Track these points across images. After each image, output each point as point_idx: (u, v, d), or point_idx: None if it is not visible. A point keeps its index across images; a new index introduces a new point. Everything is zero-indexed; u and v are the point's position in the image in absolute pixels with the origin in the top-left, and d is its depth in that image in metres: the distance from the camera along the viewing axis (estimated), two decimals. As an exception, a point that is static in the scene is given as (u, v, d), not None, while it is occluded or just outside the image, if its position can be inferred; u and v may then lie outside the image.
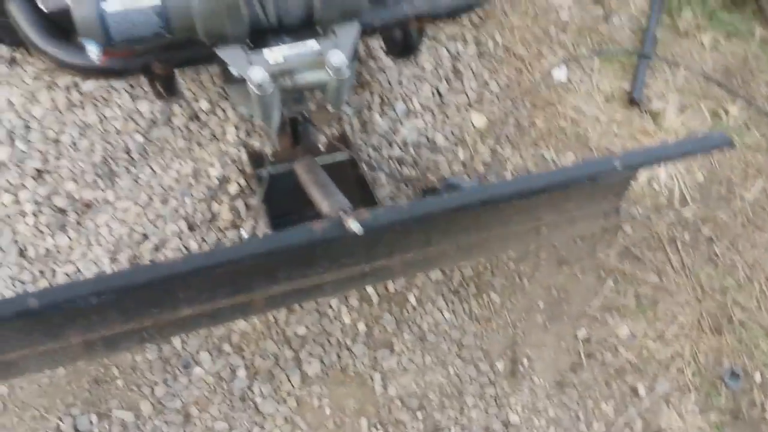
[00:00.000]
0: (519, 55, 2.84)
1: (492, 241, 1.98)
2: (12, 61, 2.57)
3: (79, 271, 2.29)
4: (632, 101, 2.76)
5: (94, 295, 1.47)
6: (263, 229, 2.33)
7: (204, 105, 2.55)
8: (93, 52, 1.46)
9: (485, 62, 2.80)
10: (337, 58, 1.44)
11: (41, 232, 2.32)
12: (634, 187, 2.56)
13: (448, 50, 2.79)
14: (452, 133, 2.65)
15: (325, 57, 1.47)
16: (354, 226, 1.51)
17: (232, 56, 1.46)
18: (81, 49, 1.64)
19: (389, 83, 2.69)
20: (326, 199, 1.77)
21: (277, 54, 1.48)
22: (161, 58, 1.64)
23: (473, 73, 2.76)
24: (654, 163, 1.74)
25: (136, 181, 2.42)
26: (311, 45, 1.50)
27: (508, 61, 2.83)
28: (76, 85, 2.53)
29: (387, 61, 2.69)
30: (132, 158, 2.46)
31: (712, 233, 2.57)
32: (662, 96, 2.81)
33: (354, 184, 2.25)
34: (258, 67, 1.41)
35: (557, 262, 2.46)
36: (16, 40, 2.32)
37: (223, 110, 2.55)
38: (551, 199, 1.86)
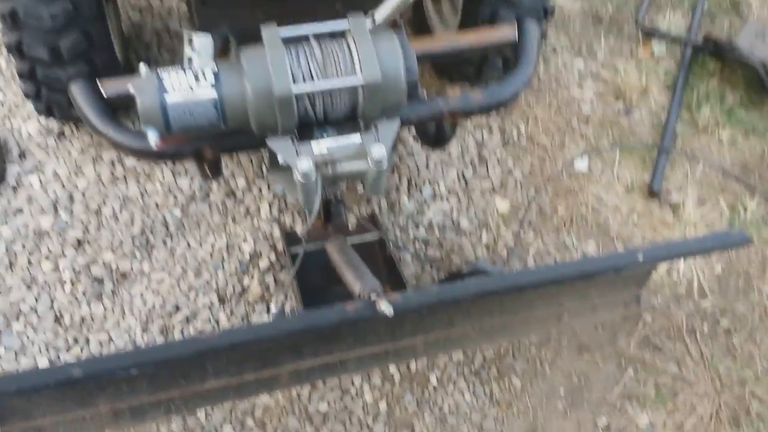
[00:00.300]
0: (542, 145, 2.96)
1: (514, 325, 2.02)
2: (60, 135, 2.72)
3: (111, 340, 2.35)
4: (652, 193, 2.84)
5: (136, 366, 1.54)
6: (292, 304, 2.40)
7: (241, 183, 2.66)
8: (152, 138, 1.57)
9: (509, 150, 2.91)
10: (379, 151, 1.54)
11: (78, 300, 2.41)
12: (653, 277, 2.60)
13: (474, 137, 2.90)
14: (476, 216, 2.73)
15: (366, 150, 1.57)
16: (385, 308, 1.57)
17: (281, 147, 1.56)
18: (137, 132, 1.77)
19: (417, 167, 2.80)
20: (358, 280, 1.83)
21: (322, 146, 1.59)
22: (213, 145, 1.75)
23: (498, 160, 2.87)
24: (675, 258, 1.81)
25: (172, 254, 2.51)
26: (354, 138, 1.60)
27: (531, 150, 2.94)
28: (120, 159, 2.66)
29: (416, 146, 2.81)
30: (169, 231, 2.56)
31: (730, 325, 2.59)
32: (681, 189, 2.89)
33: (382, 263, 2.31)
34: (305, 158, 1.51)
35: (578, 348, 2.49)
36: (66, 114, 2.49)
37: (259, 188, 2.67)
38: (574, 287, 1.92)
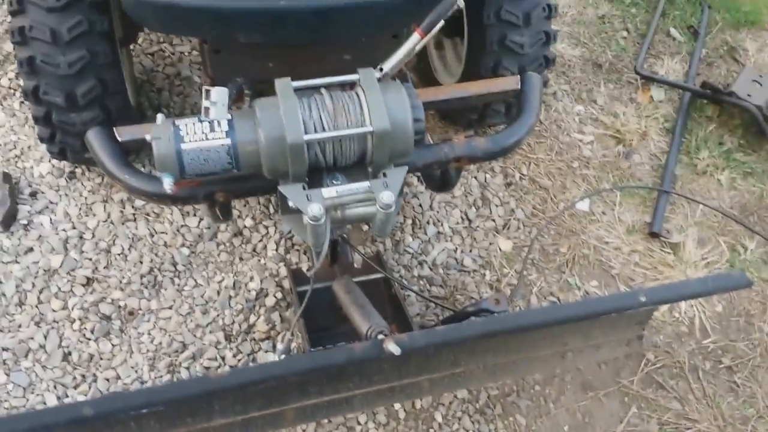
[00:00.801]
0: (544, 186, 3.01)
1: (519, 363, 2.05)
2: (71, 175, 2.77)
3: (118, 377, 2.38)
4: (653, 234, 2.89)
5: (147, 406, 1.56)
6: (297, 341, 2.42)
7: (248, 222, 2.71)
8: (167, 184, 1.63)
9: (512, 191, 2.97)
10: (387, 197, 1.59)
11: (86, 337, 2.43)
12: (656, 315, 2.64)
13: (477, 179, 2.96)
14: (480, 255, 2.78)
15: (375, 195, 1.62)
16: (393, 348, 1.60)
17: (293, 192, 1.62)
18: (151, 177, 1.82)
19: (421, 207, 2.85)
20: (365, 320, 1.87)
21: (332, 191, 1.64)
22: (225, 189, 1.81)
23: (500, 201, 2.93)
24: (677, 300, 1.85)
25: (180, 292, 2.55)
26: (363, 185, 1.66)
27: (533, 191, 2.99)
28: (130, 200, 2.71)
29: (420, 187, 2.87)
30: (177, 270, 2.60)
31: (732, 363, 2.62)
32: (682, 230, 2.94)
33: (387, 302, 2.35)
34: (316, 204, 1.56)
35: (582, 386, 2.52)
36: (79, 158, 2.54)
37: (266, 228, 2.72)
38: (578, 326, 1.95)
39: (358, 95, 1.68)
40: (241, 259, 2.65)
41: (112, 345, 2.43)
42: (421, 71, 3.15)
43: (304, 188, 1.63)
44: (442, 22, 1.86)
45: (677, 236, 2.90)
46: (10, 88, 3.03)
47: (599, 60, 3.60)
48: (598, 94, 3.43)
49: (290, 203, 1.63)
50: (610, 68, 3.57)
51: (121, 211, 2.69)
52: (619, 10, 3.89)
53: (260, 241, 2.70)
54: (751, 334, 2.70)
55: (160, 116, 1.66)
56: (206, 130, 1.61)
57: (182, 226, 2.68)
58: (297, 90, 1.66)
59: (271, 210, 2.76)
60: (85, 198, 2.72)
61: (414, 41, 1.84)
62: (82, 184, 2.75)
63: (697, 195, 3.09)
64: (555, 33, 2.54)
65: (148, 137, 1.62)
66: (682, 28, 3.84)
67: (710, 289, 1.90)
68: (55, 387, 2.33)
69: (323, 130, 1.64)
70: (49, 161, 2.78)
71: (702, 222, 2.99)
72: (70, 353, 2.40)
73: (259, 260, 2.64)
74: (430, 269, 2.71)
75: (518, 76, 2.18)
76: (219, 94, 1.59)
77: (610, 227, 2.92)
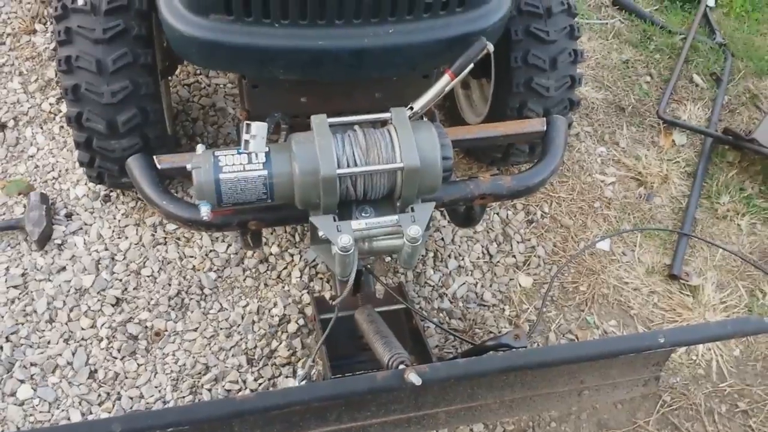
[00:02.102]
0: (565, 225, 3.06)
1: (535, 399, 2.07)
2: (106, 198, 2.87)
3: (142, 396, 2.43)
4: (672, 276, 2.92)
5: (173, 425, 1.61)
6: (317, 368, 2.47)
7: (275, 249, 2.78)
8: (204, 212, 1.70)
9: (533, 229, 3.02)
10: (415, 231, 1.65)
11: (112, 356, 2.50)
12: (673, 357, 2.66)
13: (499, 215, 3.02)
14: (500, 290, 2.82)
15: (403, 229, 1.69)
16: (414, 378, 1.64)
17: (323, 223, 1.68)
18: (188, 205, 1.90)
19: (443, 240, 2.91)
20: (387, 350, 1.91)
21: (361, 223, 1.70)
22: (258, 218, 1.88)
23: (522, 237, 2.97)
24: (696, 343, 1.87)
25: (205, 315, 2.62)
26: (391, 218, 1.72)
27: (554, 229, 3.04)
28: (162, 223, 2.80)
29: (442, 220, 2.93)
30: (204, 293, 2.67)
31: (748, 407, 2.62)
32: (701, 272, 2.97)
33: (408, 333, 2.39)
34: (346, 235, 1.63)
35: (598, 424, 2.53)
36: (116, 183, 2.63)
37: (291, 255, 2.78)
38: (595, 365, 1.98)
39: (389, 133, 1.75)
40: (265, 284, 2.71)
41: (138, 364, 2.49)
42: (447, 109, 3.23)
43: (334, 219, 1.70)
44: (471, 65, 1.94)
45: (696, 279, 2.93)
46: (50, 112, 3.16)
47: (622, 103, 3.66)
48: (620, 136, 3.49)
49: (320, 233, 1.69)
50: (633, 112, 3.63)
51: (153, 235, 2.77)
52: (643, 55, 3.97)
53: (285, 268, 2.76)
54: (768, 379, 2.71)
55: (200, 147, 1.74)
56: (244, 162, 1.68)
57: (211, 250, 2.76)
58: (332, 126, 1.74)
59: (297, 238, 2.83)
60: (119, 221, 2.81)
61: (444, 82, 1.92)
62: (116, 207, 2.85)
63: (717, 239, 3.12)
64: (580, 77, 2.61)
65: (188, 166, 1.70)
66: (705, 75, 3.91)
67: (729, 333, 1.92)
68: (80, 403, 2.39)
69: (355, 165, 1.71)
70: (85, 184, 2.88)
71: (721, 266, 3.02)
72: (96, 371, 2.46)
73: (284, 287, 2.71)
74: (451, 302, 2.75)
75: (544, 118, 2.24)
76: (258, 129, 1.67)
77: (630, 268, 2.96)
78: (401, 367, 1.79)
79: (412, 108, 1.88)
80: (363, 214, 1.76)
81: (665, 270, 2.96)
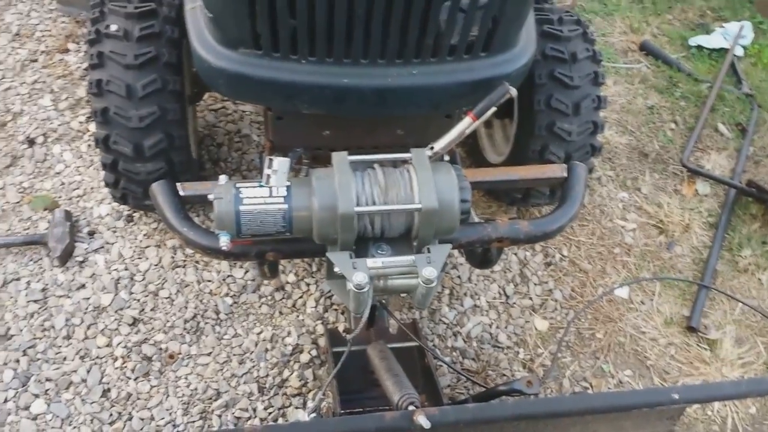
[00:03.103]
0: (583, 269, 3.04)
1: (546, 447, 2.05)
2: (129, 219, 2.91)
3: (152, 418, 2.44)
4: (690, 328, 2.88)
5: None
6: (327, 401, 2.46)
7: (291, 278, 2.80)
8: (224, 241, 1.73)
9: (551, 271, 3.01)
10: (430, 273, 1.66)
11: (126, 376, 2.52)
12: (688, 412, 2.61)
13: (517, 256, 3.01)
14: (515, 333, 2.80)
15: (418, 269, 1.69)
16: (422, 421, 1.63)
17: (340, 259, 1.69)
18: (208, 233, 1.92)
19: (459, 278, 2.90)
20: (397, 389, 1.89)
21: (377, 261, 1.71)
22: (275, 249, 1.90)
23: (539, 280, 2.96)
24: (710, 401, 1.84)
25: (219, 340, 2.63)
26: (407, 258, 1.73)
27: (572, 273, 3.03)
28: (181, 247, 2.83)
29: (460, 258, 2.93)
30: (219, 318, 2.69)
31: (764, 467, 2.58)
32: (720, 326, 2.93)
33: (420, 371, 2.38)
34: (361, 273, 1.63)
35: (608, 477, 2.48)
36: (139, 204, 2.67)
37: (307, 285, 2.80)
38: (609, 416, 1.95)
39: (409, 173, 1.76)
40: (280, 313, 2.72)
41: (150, 386, 2.50)
42: (469, 147, 3.25)
43: (351, 257, 1.71)
44: (493, 109, 1.95)
45: (715, 333, 2.88)
46: (79, 131, 3.23)
47: (646, 149, 3.65)
48: (642, 182, 3.48)
49: (336, 269, 1.71)
50: (656, 158, 3.62)
51: (172, 257, 2.81)
52: (669, 102, 3.97)
53: (300, 297, 2.77)
54: (785, 439, 2.65)
55: (223, 177, 1.77)
56: (265, 195, 1.71)
57: (228, 275, 2.78)
58: (352, 163, 1.76)
59: (314, 268, 2.85)
60: (140, 241, 2.85)
61: (466, 124, 1.94)
62: (138, 227, 2.89)
63: (738, 293, 3.08)
64: (603, 123, 2.62)
65: (210, 196, 1.73)
66: (730, 125, 3.89)
67: (744, 393, 1.89)
68: (91, 421, 2.41)
69: (373, 203, 1.73)
70: (110, 203, 2.93)
71: (741, 320, 2.97)
72: (109, 390, 2.48)
73: (298, 316, 2.72)
74: (464, 341, 2.74)
75: (564, 164, 2.24)
76: (280, 164, 1.69)
77: (648, 317, 2.92)
78: (410, 408, 1.77)
79: (432, 148, 1.89)
80: (379, 252, 1.77)
81: (683, 321, 2.92)
